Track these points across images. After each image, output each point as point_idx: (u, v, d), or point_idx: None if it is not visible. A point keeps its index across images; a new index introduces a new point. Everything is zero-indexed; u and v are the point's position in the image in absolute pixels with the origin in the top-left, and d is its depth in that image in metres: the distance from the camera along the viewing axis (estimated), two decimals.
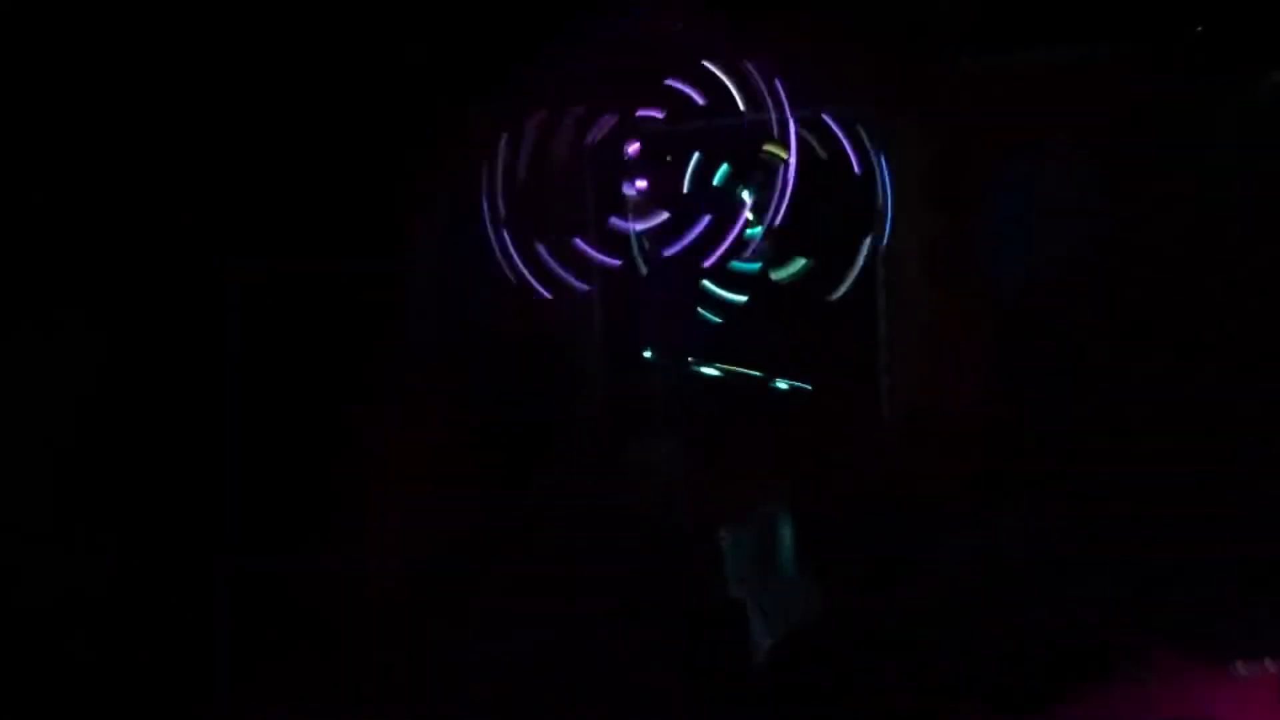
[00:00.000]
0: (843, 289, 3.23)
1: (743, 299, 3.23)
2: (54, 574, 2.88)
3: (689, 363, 3.57)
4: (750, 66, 3.09)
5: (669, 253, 3.23)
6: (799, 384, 3.35)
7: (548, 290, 3.62)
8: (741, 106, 3.15)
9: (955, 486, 2.71)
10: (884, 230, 3.24)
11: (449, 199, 3.94)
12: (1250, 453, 1.94)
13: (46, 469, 2.99)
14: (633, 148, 3.29)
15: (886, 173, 3.21)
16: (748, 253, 3.22)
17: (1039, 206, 3.36)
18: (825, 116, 3.27)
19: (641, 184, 3.26)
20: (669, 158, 3.38)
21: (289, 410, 3.52)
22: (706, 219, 3.21)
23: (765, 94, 3.13)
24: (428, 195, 3.95)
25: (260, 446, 3.41)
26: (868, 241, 3.23)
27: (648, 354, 3.74)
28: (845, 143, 3.21)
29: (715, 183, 3.35)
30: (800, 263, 3.17)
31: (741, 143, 3.27)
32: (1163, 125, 3.22)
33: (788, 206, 3.14)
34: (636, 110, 3.17)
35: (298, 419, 3.54)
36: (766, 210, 3.15)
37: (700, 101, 3.17)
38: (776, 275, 3.18)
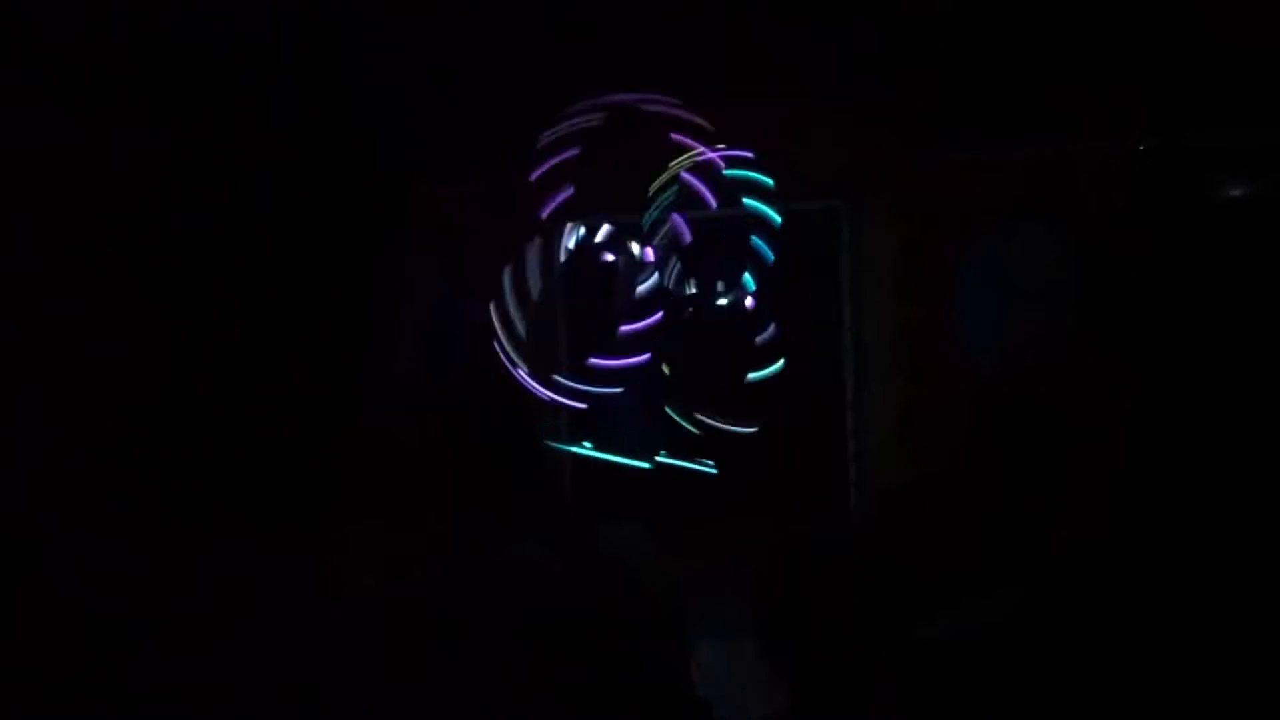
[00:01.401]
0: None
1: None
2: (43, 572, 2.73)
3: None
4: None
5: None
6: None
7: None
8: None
9: (929, 573, 2.65)
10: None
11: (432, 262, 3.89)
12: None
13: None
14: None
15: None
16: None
17: (1011, 290, 3.37)
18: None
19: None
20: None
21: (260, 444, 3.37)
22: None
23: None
24: (409, 259, 3.90)
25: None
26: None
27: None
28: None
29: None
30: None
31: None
32: (1128, 217, 3.26)
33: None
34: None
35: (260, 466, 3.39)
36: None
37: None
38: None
